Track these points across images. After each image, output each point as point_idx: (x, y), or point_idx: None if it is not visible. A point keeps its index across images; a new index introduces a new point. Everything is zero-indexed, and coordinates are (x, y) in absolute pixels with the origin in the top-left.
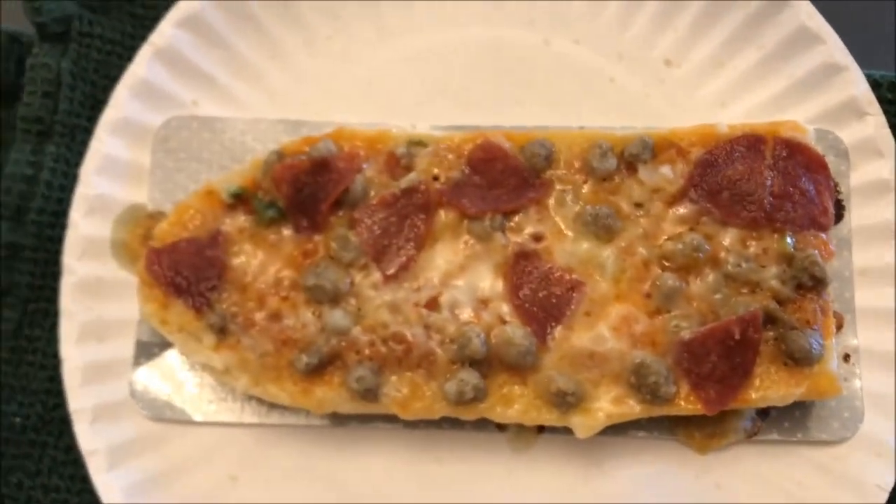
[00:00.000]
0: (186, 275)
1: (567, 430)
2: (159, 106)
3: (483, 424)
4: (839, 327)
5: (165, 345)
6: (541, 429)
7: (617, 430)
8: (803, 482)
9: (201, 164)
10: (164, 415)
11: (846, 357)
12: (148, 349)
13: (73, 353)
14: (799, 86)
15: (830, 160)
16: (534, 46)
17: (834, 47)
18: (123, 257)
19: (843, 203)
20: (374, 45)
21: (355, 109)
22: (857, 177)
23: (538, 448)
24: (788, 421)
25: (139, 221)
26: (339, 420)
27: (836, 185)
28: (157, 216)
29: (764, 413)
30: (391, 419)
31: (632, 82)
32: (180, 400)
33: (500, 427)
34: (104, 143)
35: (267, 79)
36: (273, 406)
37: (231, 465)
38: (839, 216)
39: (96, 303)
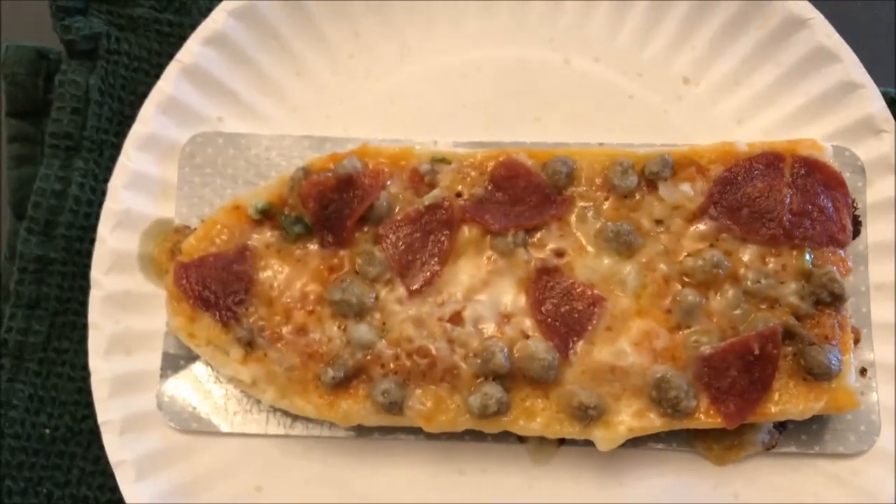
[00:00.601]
0: (214, 289)
1: (587, 443)
2: (185, 122)
3: (504, 436)
4: (856, 342)
5: (192, 357)
6: (561, 441)
7: (636, 442)
8: (820, 494)
9: (226, 179)
10: (191, 426)
11: (863, 371)
12: (175, 361)
13: (102, 366)
14: (816, 103)
15: (847, 177)
16: (554, 65)
17: (850, 65)
18: (150, 271)
19: (860, 219)
20: (396, 63)
21: (378, 126)
22: (874, 193)
23: (558, 460)
24: (805, 434)
25: (166, 236)
26: (362, 432)
27: (853, 201)
28: (183, 230)
29: (781, 426)
30: (413, 431)
31: (650, 99)
32: (206, 411)
33: (521, 439)
34: (132, 158)
35: (291, 96)
36: (297, 418)
37: (256, 475)
38: (856, 232)
39: (124, 316)
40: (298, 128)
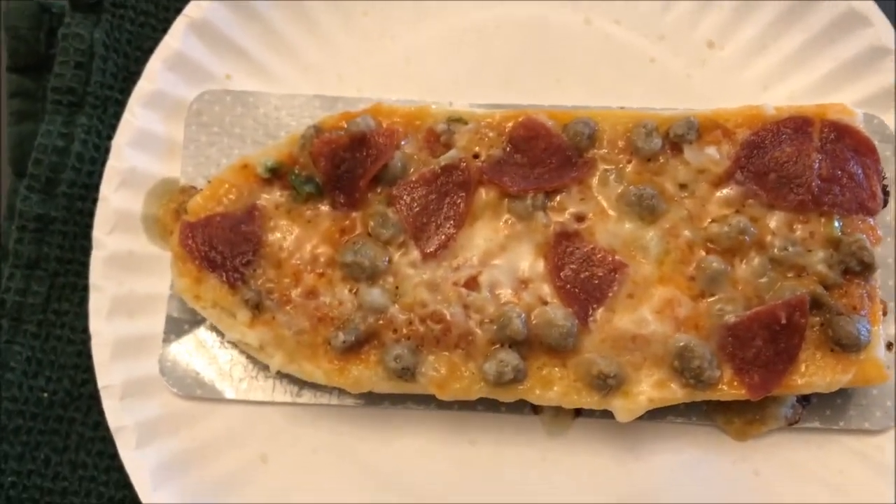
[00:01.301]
0: (221, 249)
1: (603, 415)
2: (193, 79)
3: (518, 407)
4: (884, 314)
5: (196, 321)
6: (577, 412)
7: (654, 414)
8: (843, 471)
9: (234, 139)
10: (194, 392)
11: (889, 346)
12: (178, 325)
13: (103, 329)
14: (844, 69)
15: (876, 145)
16: (574, 25)
17: (881, 29)
18: (154, 232)
19: (888, 189)
20: (412, 22)
21: (392, 86)
22: None
23: (573, 432)
24: (830, 409)
25: (171, 196)
26: (371, 400)
27: (882, 170)
28: (189, 191)
29: (805, 400)
30: (424, 400)
31: (673, 63)
32: (210, 377)
33: (535, 410)
34: (137, 115)
35: (302, 54)
36: (304, 385)
37: (261, 444)
38: (884, 202)
39: (126, 277)
40: (309, 87)
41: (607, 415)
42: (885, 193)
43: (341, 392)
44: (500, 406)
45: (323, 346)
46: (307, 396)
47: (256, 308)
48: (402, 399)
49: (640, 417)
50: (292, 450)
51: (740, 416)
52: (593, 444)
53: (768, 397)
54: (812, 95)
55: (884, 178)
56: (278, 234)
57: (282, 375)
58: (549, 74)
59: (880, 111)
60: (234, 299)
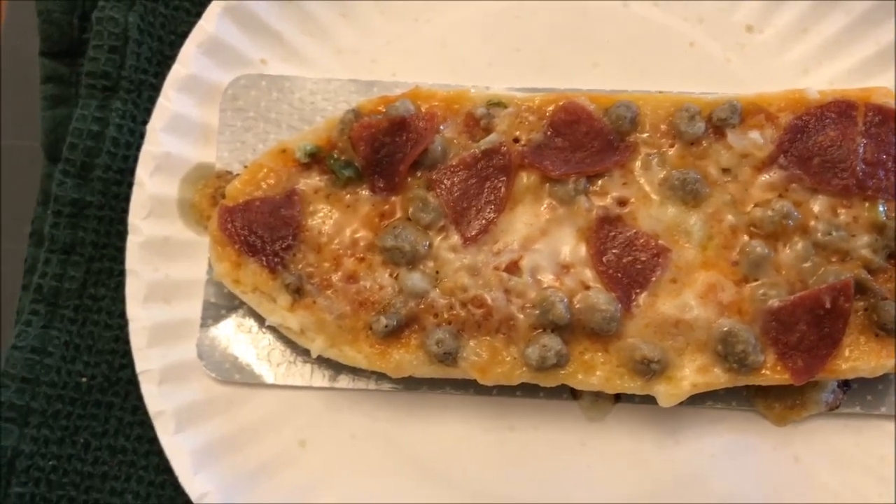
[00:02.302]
0: (261, 234)
1: (643, 400)
2: (227, 64)
3: (557, 392)
4: None
5: (233, 307)
6: (617, 398)
7: (694, 400)
8: (885, 457)
9: (270, 124)
10: (232, 377)
11: None
12: (216, 311)
13: (140, 314)
14: (886, 53)
15: None
16: (611, 7)
17: None
18: (190, 217)
19: None
20: (447, 5)
21: (427, 70)
22: None
23: (612, 417)
24: (871, 394)
25: (207, 181)
26: (409, 385)
27: None
28: (224, 176)
29: (846, 385)
30: (462, 386)
31: (712, 47)
32: (248, 362)
33: (575, 395)
34: (171, 100)
35: (337, 38)
36: (342, 370)
37: (300, 429)
38: None
39: (162, 263)
40: (344, 71)
41: (647, 400)
42: None
43: (379, 377)
44: (539, 391)
45: (364, 330)
46: (345, 381)
47: (297, 292)
48: (441, 384)
49: (680, 403)
50: (330, 435)
51: (781, 402)
52: (633, 430)
53: (809, 382)
54: (853, 80)
55: None
56: (318, 219)
57: (320, 360)
58: (586, 58)
59: None
60: (275, 284)
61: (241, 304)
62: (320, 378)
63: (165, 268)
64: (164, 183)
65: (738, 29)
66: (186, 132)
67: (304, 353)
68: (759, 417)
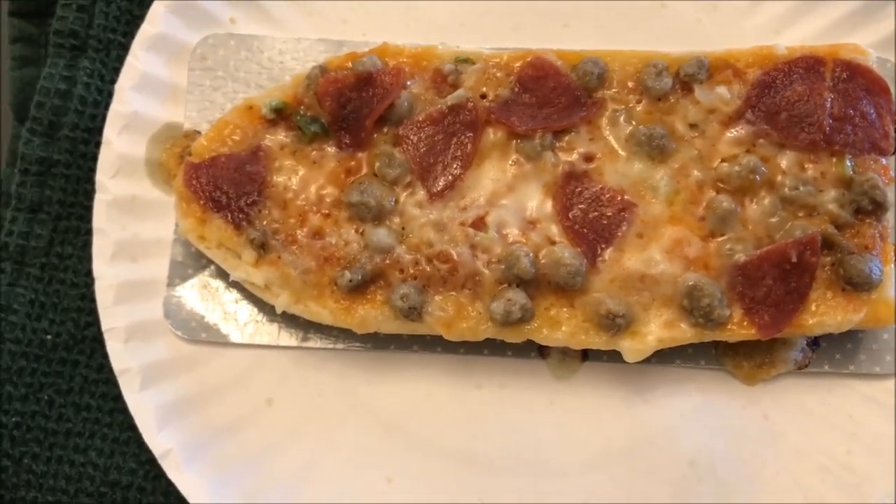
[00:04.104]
0: (226, 190)
1: (610, 359)
2: (196, 23)
3: (525, 351)
4: None
5: (200, 265)
6: (584, 356)
7: (662, 358)
8: (854, 415)
9: (238, 83)
10: (199, 336)
11: None
12: (182, 269)
13: (107, 272)
14: (857, 13)
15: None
16: None
17: None
18: (158, 176)
19: None
20: None
21: (397, 30)
22: None
23: (580, 376)
24: (840, 353)
25: (175, 140)
26: (377, 344)
27: (895, 111)
28: (192, 135)
29: (814, 344)
30: (430, 344)
31: (683, 8)
32: (215, 321)
33: (543, 354)
34: (140, 59)
35: None
36: (310, 329)
37: (267, 387)
38: None
39: (130, 222)
40: (314, 31)
41: (615, 359)
42: None
43: (347, 336)
44: (507, 350)
45: (329, 285)
46: (313, 340)
47: (262, 248)
48: (408, 343)
49: (648, 361)
50: (298, 393)
51: (749, 360)
52: (601, 388)
53: (777, 340)
54: (824, 39)
55: None
56: (283, 175)
57: (287, 319)
58: (557, 19)
59: (893, 55)
60: (239, 239)
61: (209, 263)
62: (287, 337)
63: (133, 226)
64: (132, 142)
65: None
66: (155, 91)
67: (271, 311)
68: (728, 376)
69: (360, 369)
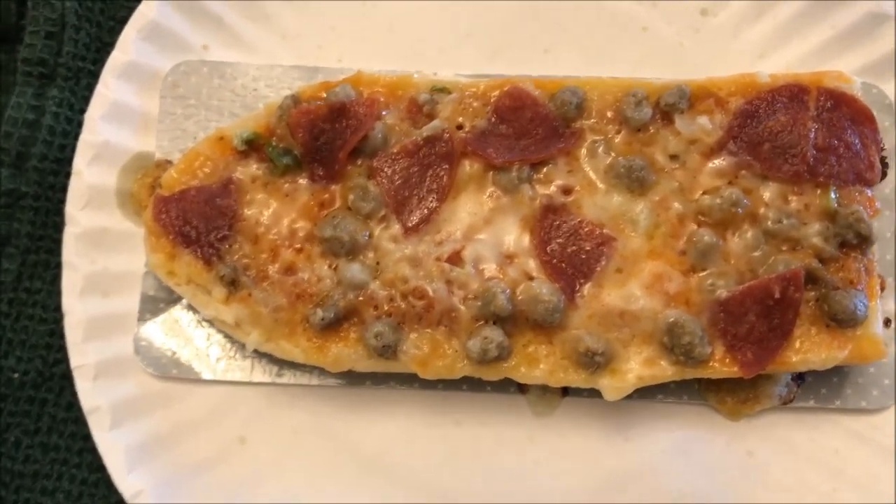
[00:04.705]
0: (196, 224)
1: (591, 394)
2: (168, 50)
3: (504, 386)
4: (881, 289)
5: (172, 300)
6: (565, 392)
7: (644, 394)
8: (840, 451)
9: (211, 111)
10: (170, 372)
11: (886, 322)
12: (154, 304)
13: (76, 307)
14: (842, 37)
15: (874, 115)
16: None
17: None
18: (129, 208)
19: (887, 161)
20: None
21: (374, 56)
22: None
23: (561, 412)
24: (825, 387)
25: (146, 170)
26: (353, 380)
27: (881, 140)
28: (164, 165)
29: (800, 379)
30: (407, 380)
31: (666, 31)
32: (187, 357)
33: (522, 389)
34: (110, 87)
35: (281, 23)
36: (284, 365)
37: (239, 425)
38: (882, 174)
39: (100, 255)
40: (288, 57)
41: (595, 394)
42: (884, 165)
43: (322, 372)
44: (486, 385)
45: (301, 323)
46: (287, 377)
47: (232, 284)
48: (385, 378)
49: (630, 396)
50: (271, 431)
51: (733, 395)
52: (582, 425)
53: (762, 375)
54: (809, 64)
55: (882, 148)
56: (255, 209)
57: (260, 355)
58: (537, 44)
59: (879, 80)
60: (209, 275)
61: (181, 297)
62: (261, 373)
63: (103, 260)
64: (103, 173)
65: (693, 12)
66: (125, 120)
67: (244, 347)
68: (712, 412)
69: (335, 406)
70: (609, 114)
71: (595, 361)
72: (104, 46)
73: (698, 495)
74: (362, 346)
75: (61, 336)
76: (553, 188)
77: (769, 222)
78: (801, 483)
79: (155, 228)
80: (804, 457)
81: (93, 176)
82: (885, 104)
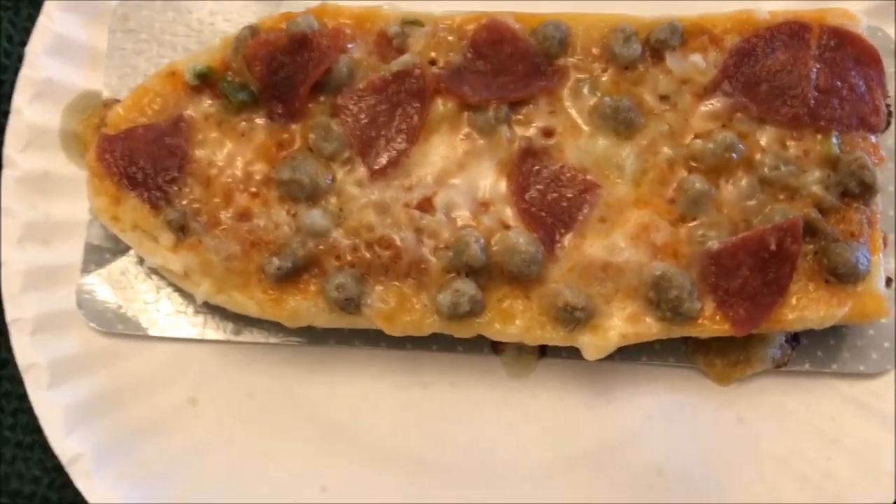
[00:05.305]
0: (143, 165)
1: (571, 355)
2: None
3: (477, 346)
4: (884, 246)
5: (119, 250)
6: (542, 352)
7: (628, 355)
8: (836, 418)
9: (164, 47)
10: (115, 328)
11: (888, 282)
12: (99, 254)
13: (14, 256)
14: None
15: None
16: None
17: None
18: (74, 149)
19: (891, 109)
20: None
21: None
22: None
23: (538, 373)
24: (821, 350)
25: (93, 110)
26: (314, 338)
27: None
28: (112, 104)
29: (794, 340)
30: (372, 339)
31: None
32: (134, 312)
33: (497, 349)
34: (54, 19)
35: None
36: (240, 321)
37: (190, 385)
38: (886, 123)
39: (42, 200)
40: None
41: (576, 354)
42: (889, 114)
43: (281, 329)
44: (457, 345)
45: (256, 273)
46: (243, 334)
47: (181, 230)
48: (349, 337)
49: (612, 357)
50: (225, 393)
51: (723, 358)
52: (560, 387)
53: (754, 336)
54: (810, 3)
55: (887, 96)
56: (207, 149)
57: (214, 310)
58: None
59: (884, 22)
60: (157, 221)
61: (128, 247)
62: (215, 330)
63: (44, 206)
64: (45, 111)
65: None
66: (71, 55)
67: (196, 302)
68: (700, 375)
69: (294, 366)
70: (595, 50)
71: (575, 317)
72: None
73: (686, 463)
74: (322, 299)
75: None
76: (533, 130)
77: (765, 169)
78: (794, 452)
79: (98, 169)
80: (798, 424)
81: (34, 115)
82: (890, 49)
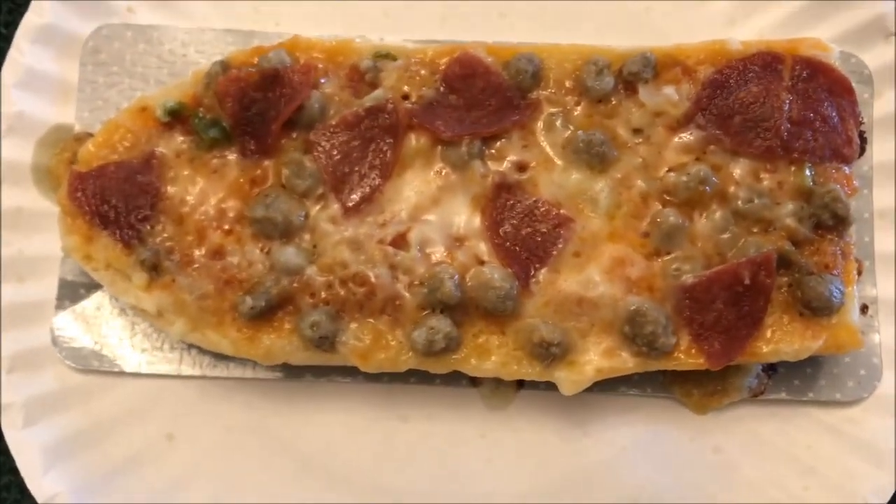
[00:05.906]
0: (115, 203)
1: (548, 387)
2: (89, 12)
3: (454, 379)
4: (858, 274)
5: (93, 286)
6: (520, 384)
7: (604, 386)
8: (813, 446)
9: (136, 79)
10: (91, 365)
11: (864, 308)
12: (73, 290)
13: None
14: (818, 2)
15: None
16: None
17: None
18: (46, 185)
19: (865, 135)
20: None
21: (315, 19)
22: (882, 105)
23: (516, 406)
24: (798, 379)
25: (65, 144)
26: (291, 373)
27: (859, 113)
28: (84, 138)
29: (771, 370)
30: (350, 372)
31: None
32: (109, 349)
33: (475, 382)
34: (24, 52)
35: None
36: (216, 357)
37: (167, 421)
38: (861, 150)
39: (14, 236)
40: (221, 20)
41: (553, 386)
42: (863, 140)
43: (257, 364)
44: (435, 378)
45: (230, 312)
46: (219, 369)
47: (154, 269)
48: (326, 371)
49: (590, 389)
50: (202, 428)
51: (700, 388)
52: (537, 419)
53: (730, 367)
54: (784, 31)
55: (861, 122)
56: (179, 186)
57: (190, 346)
58: (491, 7)
59: (858, 49)
60: (129, 260)
61: None
62: (191, 366)
63: (18, 242)
64: (17, 146)
65: None
66: (42, 89)
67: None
68: (677, 405)
69: (271, 401)
70: (568, 83)
71: (551, 353)
72: (17, 7)
73: (662, 494)
74: (297, 337)
75: None
76: (507, 164)
77: (739, 202)
78: (770, 481)
79: (70, 208)
80: (774, 453)
81: (6, 150)
82: (864, 75)
